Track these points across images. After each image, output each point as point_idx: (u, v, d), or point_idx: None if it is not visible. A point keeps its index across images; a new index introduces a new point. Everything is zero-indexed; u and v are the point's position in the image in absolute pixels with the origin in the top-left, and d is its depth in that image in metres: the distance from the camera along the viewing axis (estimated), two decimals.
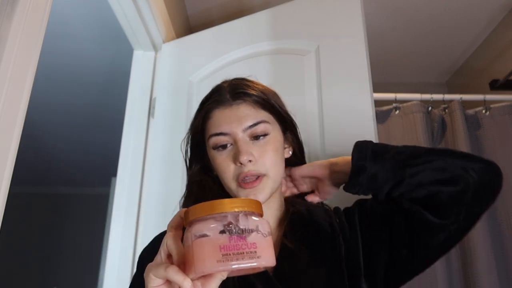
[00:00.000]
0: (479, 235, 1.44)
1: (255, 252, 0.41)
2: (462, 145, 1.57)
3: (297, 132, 0.74)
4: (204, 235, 0.41)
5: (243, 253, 0.40)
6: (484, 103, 1.68)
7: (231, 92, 0.66)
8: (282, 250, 0.64)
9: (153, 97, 1.53)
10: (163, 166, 1.35)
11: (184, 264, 0.43)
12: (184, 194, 0.72)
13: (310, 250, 0.64)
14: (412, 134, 1.63)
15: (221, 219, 0.42)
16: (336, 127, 1.14)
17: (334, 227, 0.67)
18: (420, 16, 1.88)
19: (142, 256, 0.70)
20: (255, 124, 0.64)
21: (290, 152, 0.74)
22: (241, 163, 0.62)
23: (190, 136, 0.72)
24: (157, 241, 0.70)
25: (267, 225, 0.45)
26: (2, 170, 0.63)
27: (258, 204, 0.45)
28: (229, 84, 0.69)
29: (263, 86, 0.71)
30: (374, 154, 0.64)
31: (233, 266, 0.40)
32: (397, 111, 1.70)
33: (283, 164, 0.69)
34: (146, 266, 0.64)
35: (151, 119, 1.50)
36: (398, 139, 1.66)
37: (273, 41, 1.35)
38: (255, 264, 0.41)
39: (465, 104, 1.68)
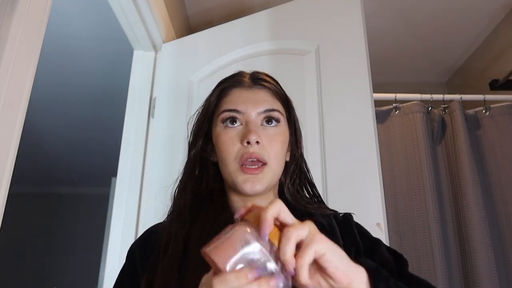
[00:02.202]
0: (479, 235, 1.44)
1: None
2: (462, 145, 1.57)
3: (300, 141, 0.72)
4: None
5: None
6: (484, 103, 1.68)
7: (252, 77, 0.68)
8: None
9: (153, 97, 1.53)
10: (163, 166, 1.35)
11: None
12: (181, 179, 0.70)
13: None
14: (412, 134, 1.63)
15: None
16: (336, 127, 1.14)
17: (332, 226, 0.65)
18: (420, 16, 1.89)
19: (133, 248, 0.68)
20: (270, 110, 0.64)
21: (287, 159, 0.71)
22: (248, 142, 0.60)
23: (200, 111, 0.70)
24: (150, 233, 0.69)
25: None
26: (2, 170, 0.63)
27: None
28: (250, 71, 0.71)
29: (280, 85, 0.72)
30: None
31: None
32: (397, 111, 1.70)
33: (284, 163, 0.67)
34: (137, 259, 0.64)
35: (151, 119, 1.50)
36: (398, 139, 1.66)
37: (273, 41, 1.35)
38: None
39: (465, 104, 1.68)
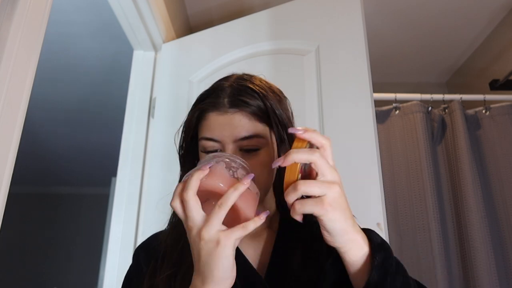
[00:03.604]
0: (479, 235, 1.44)
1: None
2: (462, 145, 1.57)
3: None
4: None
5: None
6: (484, 103, 1.68)
7: (229, 96, 0.62)
8: (274, 252, 0.63)
9: (153, 97, 1.53)
10: (163, 166, 1.35)
11: None
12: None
13: (303, 250, 0.62)
14: (412, 134, 1.63)
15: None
16: (336, 127, 1.14)
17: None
18: (420, 16, 1.89)
19: (138, 251, 0.69)
20: (247, 138, 0.60)
21: None
22: None
23: (183, 131, 0.68)
24: (152, 239, 0.70)
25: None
26: (2, 170, 0.63)
27: None
28: (230, 85, 0.64)
29: (268, 90, 0.65)
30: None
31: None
32: (397, 111, 1.70)
33: (272, 175, 0.65)
34: (141, 260, 0.66)
35: (151, 119, 1.50)
36: (398, 139, 1.66)
37: (273, 41, 1.35)
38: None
39: (465, 104, 1.68)
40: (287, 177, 0.49)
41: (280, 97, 0.68)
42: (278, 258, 0.62)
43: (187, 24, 1.92)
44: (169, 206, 0.70)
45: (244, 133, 0.60)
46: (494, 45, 1.99)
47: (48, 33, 0.76)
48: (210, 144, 0.61)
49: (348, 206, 0.53)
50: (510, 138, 1.61)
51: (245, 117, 0.61)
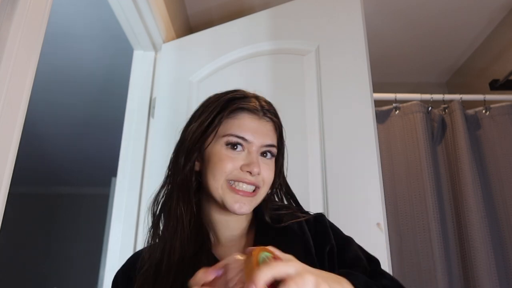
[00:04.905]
0: (479, 235, 1.44)
1: None
2: (462, 145, 1.57)
3: (282, 162, 0.76)
4: None
5: None
6: (484, 103, 1.68)
7: (262, 107, 0.69)
8: None
9: (153, 97, 1.53)
10: (163, 166, 1.34)
11: None
12: (164, 192, 0.71)
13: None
14: (412, 134, 1.63)
15: None
16: (336, 127, 1.14)
17: (302, 228, 0.69)
18: (420, 16, 1.89)
19: (117, 277, 0.70)
20: (271, 145, 0.68)
21: None
22: (250, 172, 0.64)
23: (201, 120, 0.69)
24: (134, 260, 0.70)
25: None
26: (2, 170, 0.63)
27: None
28: (257, 98, 0.71)
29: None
30: None
31: None
32: (397, 111, 1.70)
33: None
34: (120, 287, 0.67)
35: (151, 119, 1.50)
36: (398, 139, 1.66)
37: (273, 41, 1.35)
38: None
39: (465, 104, 1.68)
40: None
41: None
42: None
43: (187, 24, 1.92)
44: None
45: (270, 141, 0.68)
46: (494, 45, 1.99)
47: (48, 33, 0.76)
48: (238, 141, 0.66)
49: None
50: (510, 138, 1.61)
51: (272, 128, 0.70)
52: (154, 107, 1.48)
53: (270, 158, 0.69)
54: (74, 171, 4.01)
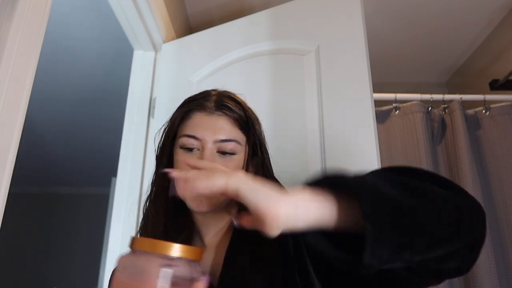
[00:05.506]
0: None
1: None
2: (462, 145, 1.57)
3: (265, 159, 0.72)
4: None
5: None
6: (484, 103, 1.68)
7: (216, 101, 0.67)
8: (226, 260, 0.62)
9: (153, 97, 1.53)
10: None
11: None
12: (148, 197, 0.72)
13: (253, 257, 0.61)
14: (412, 134, 1.63)
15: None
16: (335, 127, 1.14)
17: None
18: (420, 16, 1.89)
19: (113, 274, 0.71)
20: (226, 140, 0.65)
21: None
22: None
23: (165, 131, 0.72)
24: None
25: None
26: (2, 170, 0.63)
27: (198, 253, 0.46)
28: (217, 93, 0.70)
29: (248, 109, 0.71)
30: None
31: None
32: (397, 111, 1.70)
33: None
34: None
35: (151, 119, 1.50)
36: (398, 139, 1.66)
37: (273, 41, 1.35)
38: None
39: (465, 104, 1.68)
40: None
41: (257, 118, 0.73)
42: (229, 264, 0.61)
43: (187, 24, 1.92)
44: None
45: (224, 136, 0.65)
46: (494, 45, 1.99)
47: (48, 33, 0.76)
48: (190, 142, 0.65)
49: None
50: (510, 138, 1.61)
51: (228, 122, 0.66)
52: (154, 107, 1.48)
53: (230, 155, 0.65)
54: (74, 171, 4.01)
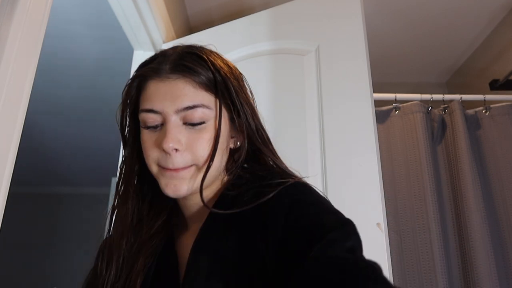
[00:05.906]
0: (479, 235, 1.44)
1: None
2: (462, 145, 1.57)
3: (252, 117, 0.59)
4: None
5: None
6: (484, 103, 1.68)
7: (172, 62, 0.55)
8: (189, 259, 0.53)
9: None
10: None
11: None
12: (118, 181, 0.67)
13: (216, 258, 0.50)
14: (412, 134, 1.63)
15: None
16: (336, 127, 1.14)
17: (258, 217, 0.50)
18: (420, 16, 1.89)
19: (103, 247, 0.69)
20: (191, 107, 0.52)
21: (238, 143, 0.60)
22: (165, 151, 0.52)
23: (122, 105, 0.61)
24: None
25: None
26: (2, 170, 0.63)
27: None
28: (175, 51, 0.57)
29: (221, 63, 0.58)
30: None
31: None
32: (397, 111, 1.70)
33: (224, 156, 0.58)
34: (104, 258, 0.64)
35: None
36: (398, 139, 1.66)
37: (273, 41, 1.35)
38: None
39: (465, 104, 1.68)
40: None
41: (232, 69, 0.61)
42: (190, 267, 0.52)
43: (187, 24, 1.92)
44: None
45: (187, 102, 0.53)
46: (494, 45, 1.99)
47: (48, 33, 0.76)
48: (151, 117, 0.54)
49: None
50: (510, 138, 1.61)
51: (188, 84, 0.53)
52: None
53: (200, 125, 0.53)
54: (74, 171, 4.01)
